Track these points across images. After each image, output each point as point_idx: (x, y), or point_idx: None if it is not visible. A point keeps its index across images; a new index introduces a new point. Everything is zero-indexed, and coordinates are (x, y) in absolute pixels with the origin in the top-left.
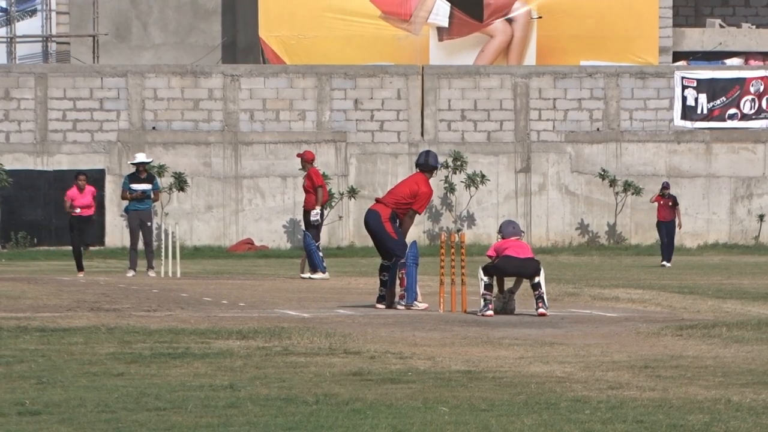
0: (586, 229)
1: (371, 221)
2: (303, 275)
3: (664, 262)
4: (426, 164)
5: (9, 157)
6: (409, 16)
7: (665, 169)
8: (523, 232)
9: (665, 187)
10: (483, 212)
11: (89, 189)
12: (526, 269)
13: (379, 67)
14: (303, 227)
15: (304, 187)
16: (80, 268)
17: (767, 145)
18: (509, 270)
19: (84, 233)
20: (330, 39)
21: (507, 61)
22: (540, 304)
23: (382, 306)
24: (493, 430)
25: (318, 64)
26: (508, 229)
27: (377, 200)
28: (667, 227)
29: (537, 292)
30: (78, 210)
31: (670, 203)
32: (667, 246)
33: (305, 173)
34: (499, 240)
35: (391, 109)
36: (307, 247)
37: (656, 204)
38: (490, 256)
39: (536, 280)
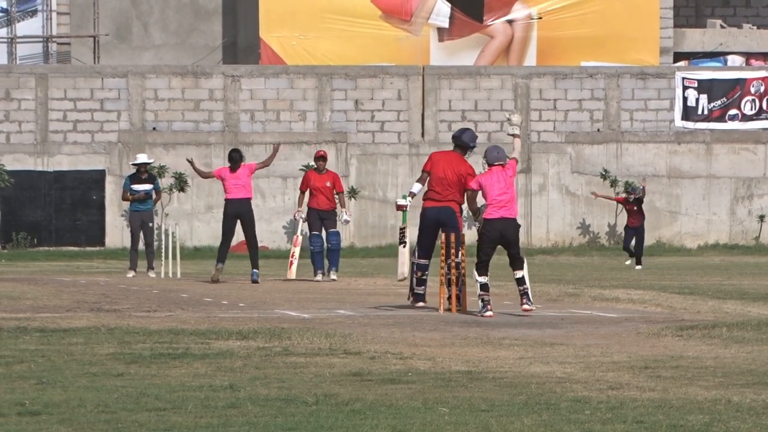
0: (587, 229)
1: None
2: (332, 277)
3: (638, 266)
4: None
5: (9, 158)
6: (410, 16)
7: (665, 169)
8: (508, 158)
9: (631, 191)
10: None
11: (247, 166)
12: (509, 233)
13: (379, 68)
14: (310, 230)
15: (323, 187)
16: (254, 265)
17: None
18: (494, 238)
19: (244, 221)
20: (330, 39)
21: (507, 61)
22: (524, 300)
23: (423, 304)
24: (493, 430)
25: (318, 64)
26: (492, 154)
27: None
28: (637, 232)
29: (522, 288)
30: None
31: (635, 207)
32: (636, 249)
33: (323, 173)
34: (485, 169)
35: (392, 110)
36: (315, 247)
37: (616, 203)
38: (472, 189)
39: (519, 275)
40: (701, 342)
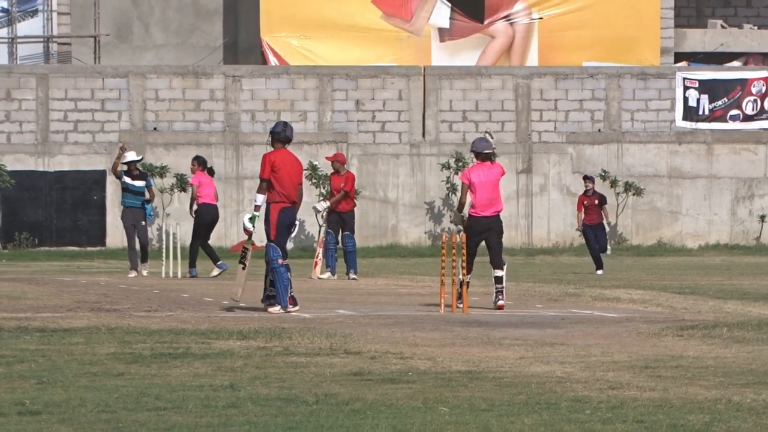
0: None
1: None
2: (321, 276)
3: (599, 271)
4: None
5: (10, 158)
6: (411, 16)
7: (666, 170)
8: (495, 148)
9: (589, 179)
10: None
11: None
12: (493, 230)
13: (380, 68)
14: (326, 226)
15: (338, 189)
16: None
17: None
18: (479, 231)
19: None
20: (331, 40)
21: (509, 61)
22: (500, 297)
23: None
24: (494, 430)
25: (319, 64)
26: (481, 144)
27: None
28: (595, 231)
29: (498, 286)
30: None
31: (596, 201)
32: (598, 252)
33: (342, 174)
34: (471, 163)
35: (393, 110)
36: (328, 245)
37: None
38: (463, 184)
39: (498, 273)
40: (702, 342)
